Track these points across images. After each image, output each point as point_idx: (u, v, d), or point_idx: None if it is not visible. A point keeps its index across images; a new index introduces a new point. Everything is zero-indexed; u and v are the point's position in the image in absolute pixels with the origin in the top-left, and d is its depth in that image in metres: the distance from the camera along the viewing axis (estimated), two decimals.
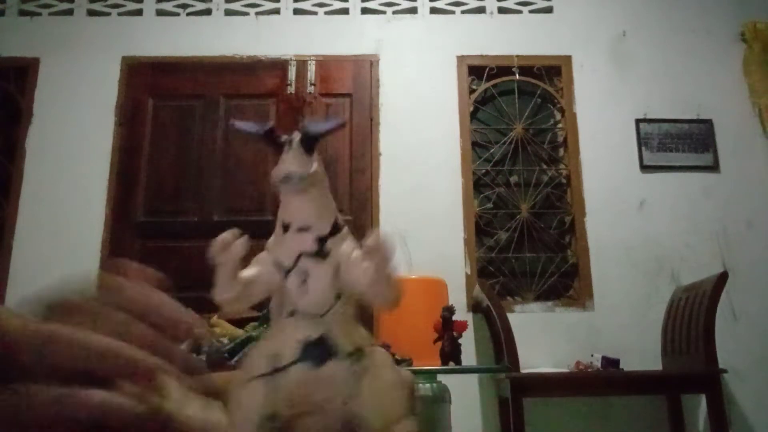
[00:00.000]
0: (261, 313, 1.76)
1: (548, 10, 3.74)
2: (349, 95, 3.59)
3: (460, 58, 3.63)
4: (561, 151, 3.62)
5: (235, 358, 1.54)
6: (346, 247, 0.28)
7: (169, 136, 3.54)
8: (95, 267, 3.32)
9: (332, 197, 0.29)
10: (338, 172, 3.48)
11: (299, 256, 0.28)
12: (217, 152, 3.47)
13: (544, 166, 3.58)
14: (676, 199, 3.45)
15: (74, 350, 0.25)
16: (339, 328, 0.28)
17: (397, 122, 3.54)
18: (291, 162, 0.28)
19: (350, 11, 3.74)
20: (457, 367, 2.30)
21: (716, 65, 3.64)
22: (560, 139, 3.62)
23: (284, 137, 0.29)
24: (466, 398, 3.09)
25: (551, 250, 3.45)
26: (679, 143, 3.53)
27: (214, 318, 1.75)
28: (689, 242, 3.37)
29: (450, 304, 2.50)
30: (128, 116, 3.55)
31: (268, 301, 0.30)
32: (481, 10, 3.75)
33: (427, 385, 2.32)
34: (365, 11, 3.74)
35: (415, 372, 2.31)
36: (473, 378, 3.16)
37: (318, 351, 0.27)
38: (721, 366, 2.64)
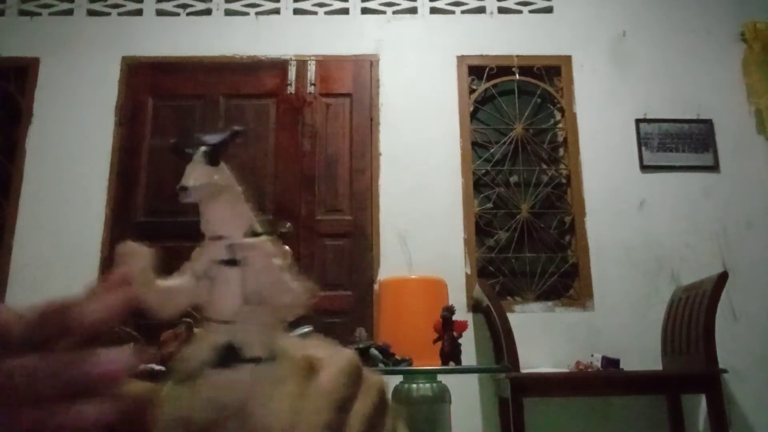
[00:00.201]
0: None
1: (548, 10, 3.74)
2: (349, 95, 3.60)
3: (460, 58, 3.64)
4: (561, 151, 3.62)
5: None
6: (256, 254, 0.29)
7: (169, 136, 3.53)
8: (95, 267, 3.32)
9: (247, 206, 0.31)
10: (338, 172, 3.48)
11: (211, 265, 0.30)
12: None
13: (544, 166, 3.58)
14: (676, 199, 3.45)
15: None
16: (249, 334, 0.29)
17: (397, 122, 3.54)
18: (187, 174, 0.30)
19: (350, 11, 3.74)
20: (457, 367, 2.30)
21: (716, 65, 3.64)
22: (560, 139, 3.62)
23: (188, 150, 0.31)
24: (466, 398, 3.09)
25: (551, 250, 3.45)
26: (679, 143, 3.53)
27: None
28: (689, 242, 3.37)
29: (450, 304, 2.51)
30: (128, 116, 3.56)
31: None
32: (481, 10, 3.75)
33: (427, 385, 2.32)
34: (365, 11, 3.74)
35: (415, 372, 2.32)
36: (473, 378, 3.16)
37: (224, 356, 0.28)
38: (721, 366, 2.64)
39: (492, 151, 3.59)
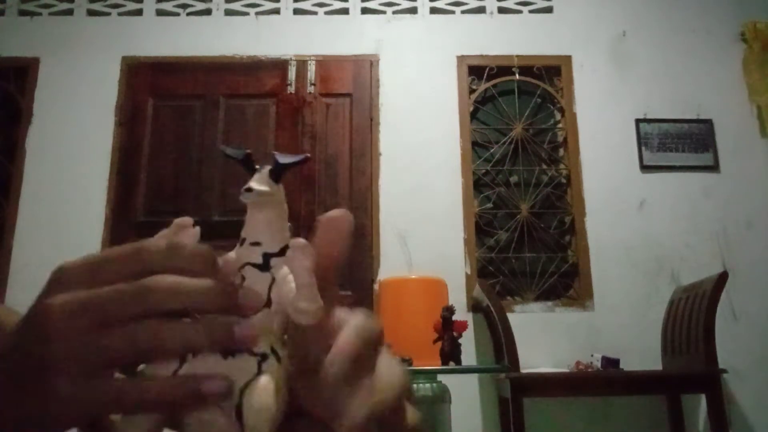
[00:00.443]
0: None
1: (548, 10, 3.74)
2: (349, 95, 3.60)
3: (460, 58, 3.64)
4: (561, 151, 3.62)
5: None
6: (286, 268, 0.32)
7: (169, 136, 3.54)
8: None
9: (287, 225, 0.33)
10: (338, 172, 3.48)
11: (244, 265, 0.32)
12: (217, 152, 3.47)
13: (544, 166, 3.58)
14: (676, 199, 3.45)
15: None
16: (260, 331, 0.31)
17: (397, 122, 3.54)
18: (256, 181, 0.33)
19: (350, 11, 3.74)
20: (457, 367, 2.30)
21: (716, 65, 3.64)
22: (560, 139, 3.62)
23: (257, 165, 0.35)
24: (466, 398, 3.09)
25: (551, 250, 3.45)
26: (679, 143, 3.53)
27: None
28: (689, 242, 3.37)
29: (450, 304, 2.50)
30: (128, 116, 3.56)
31: None
32: (481, 10, 3.75)
33: (427, 385, 2.32)
34: (365, 11, 3.74)
35: (415, 372, 2.32)
36: (473, 378, 3.16)
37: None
38: (721, 366, 2.64)
39: (492, 151, 3.59)
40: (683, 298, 3.00)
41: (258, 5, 3.74)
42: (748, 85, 3.59)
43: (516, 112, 3.62)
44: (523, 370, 2.74)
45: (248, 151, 0.34)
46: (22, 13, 3.71)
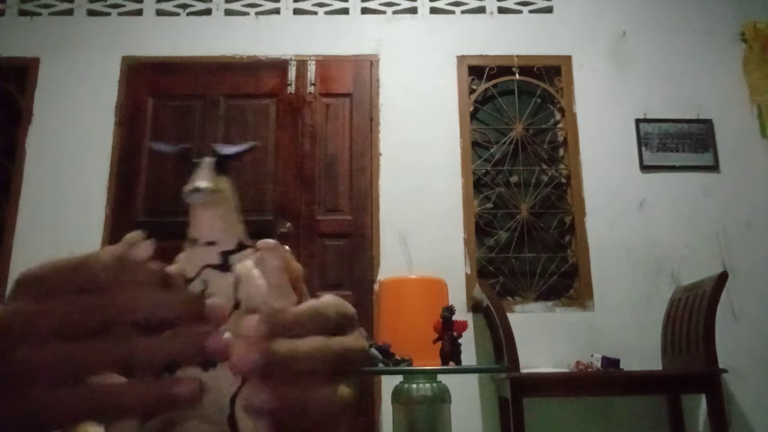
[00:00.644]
0: None
1: (548, 10, 3.74)
2: (349, 95, 3.60)
3: (460, 58, 3.64)
4: (561, 151, 3.62)
5: None
6: (248, 263, 0.30)
7: (169, 136, 3.54)
8: None
9: (239, 218, 0.32)
10: (338, 172, 3.48)
11: (203, 268, 0.31)
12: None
13: (544, 166, 3.58)
14: (676, 199, 3.45)
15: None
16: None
17: (397, 122, 3.54)
18: (201, 178, 0.31)
19: (350, 11, 3.74)
20: (457, 367, 2.30)
21: (716, 65, 3.64)
22: (560, 139, 3.62)
23: (197, 159, 0.32)
24: (466, 398, 3.09)
25: (551, 250, 3.45)
26: (679, 143, 3.53)
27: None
28: (689, 242, 3.37)
29: (450, 304, 2.50)
30: (128, 116, 3.56)
31: None
32: (481, 10, 3.75)
33: (427, 385, 2.32)
34: (365, 11, 3.74)
35: (415, 372, 2.32)
36: (473, 378, 3.16)
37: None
38: (721, 366, 2.64)
39: (492, 151, 3.59)
40: (683, 298, 3.00)
41: (258, 5, 3.74)
42: (749, 83, 3.59)
43: (516, 112, 3.62)
44: (523, 370, 2.74)
45: (185, 145, 0.33)
46: (22, 13, 3.71)
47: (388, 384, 2.76)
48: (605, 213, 3.42)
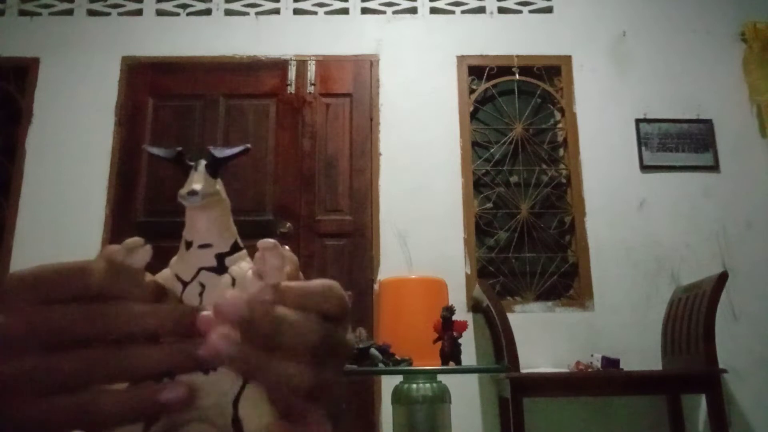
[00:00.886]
0: None
1: (548, 10, 3.74)
2: (349, 95, 3.59)
3: (460, 58, 3.64)
4: (561, 151, 3.62)
5: None
6: (243, 264, 0.31)
7: (169, 136, 3.54)
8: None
9: (233, 223, 0.32)
10: (338, 172, 3.48)
11: (199, 271, 0.31)
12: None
13: (544, 166, 3.58)
14: (676, 199, 3.45)
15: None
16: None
17: (397, 122, 3.54)
18: (196, 181, 0.31)
19: (350, 11, 3.74)
20: (457, 367, 2.30)
21: (716, 65, 3.64)
22: (560, 139, 3.62)
23: (191, 162, 0.32)
24: (466, 398, 3.09)
25: (551, 250, 3.45)
26: (679, 143, 3.53)
27: None
28: (689, 242, 3.37)
29: (450, 304, 2.50)
30: (128, 116, 3.56)
31: None
32: (481, 10, 3.75)
33: (427, 385, 2.32)
34: (365, 11, 3.74)
35: (415, 372, 2.32)
36: (473, 378, 3.16)
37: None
38: (721, 366, 2.64)
39: (492, 151, 3.59)
40: (683, 298, 3.00)
41: (258, 5, 3.74)
42: (749, 83, 3.59)
43: (516, 112, 3.62)
44: (523, 370, 2.74)
45: (179, 148, 0.33)
46: (22, 13, 3.71)
47: (388, 384, 2.76)
48: (605, 213, 3.42)
